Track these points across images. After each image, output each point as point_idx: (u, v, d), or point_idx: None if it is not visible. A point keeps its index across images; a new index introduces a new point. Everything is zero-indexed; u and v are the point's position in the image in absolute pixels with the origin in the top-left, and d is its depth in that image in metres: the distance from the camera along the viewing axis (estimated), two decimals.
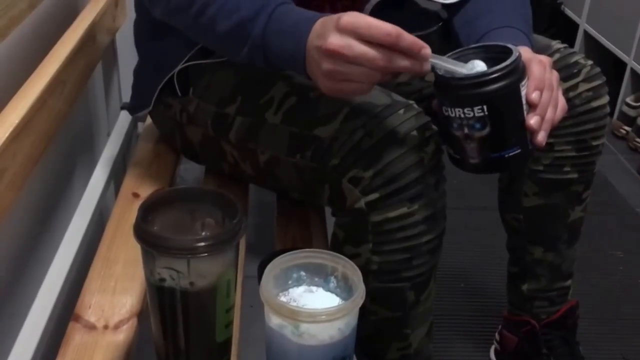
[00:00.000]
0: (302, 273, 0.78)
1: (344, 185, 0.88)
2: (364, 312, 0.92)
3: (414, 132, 0.86)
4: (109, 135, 1.50)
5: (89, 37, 1.14)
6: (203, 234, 0.70)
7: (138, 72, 1.17)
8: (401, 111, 0.87)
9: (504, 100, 0.80)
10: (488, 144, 0.82)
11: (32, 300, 0.96)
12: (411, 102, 0.90)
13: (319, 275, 0.78)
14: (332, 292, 0.77)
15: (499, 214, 1.30)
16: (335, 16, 0.75)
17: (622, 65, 2.52)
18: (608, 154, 2.41)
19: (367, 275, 0.90)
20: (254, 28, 0.82)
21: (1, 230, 0.85)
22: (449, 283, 1.69)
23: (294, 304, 0.76)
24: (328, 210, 1.14)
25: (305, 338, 0.71)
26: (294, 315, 0.70)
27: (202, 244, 0.66)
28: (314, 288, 0.78)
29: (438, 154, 0.88)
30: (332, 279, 0.77)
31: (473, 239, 1.85)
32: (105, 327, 0.85)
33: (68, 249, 1.05)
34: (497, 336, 1.43)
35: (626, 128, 2.52)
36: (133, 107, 1.20)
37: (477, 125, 0.80)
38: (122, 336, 0.84)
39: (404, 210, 0.86)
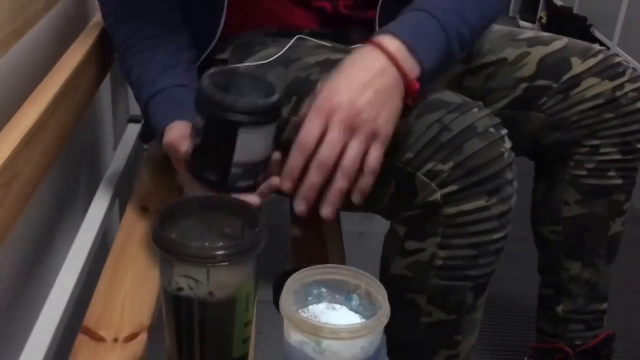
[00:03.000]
0: (323, 289, 0.80)
1: (418, 179, 0.90)
2: (415, 313, 0.97)
3: (492, 129, 0.90)
4: (115, 148, 1.53)
5: (101, 42, 1.17)
6: (228, 241, 0.73)
7: None
8: (475, 109, 0.91)
9: (215, 127, 0.83)
10: (194, 153, 0.88)
11: (39, 313, 0.98)
12: (480, 102, 0.93)
13: (340, 292, 0.80)
14: (354, 310, 0.79)
15: (532, 229, 1.32)
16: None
17: None
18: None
19: (430, 271, 0.94)
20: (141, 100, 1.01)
21: (8, 242, 0.87)
22: None
23: (316, 320, 0.78)
24: (345, 231, 1.17)
25: (327, 356, 0.73)
26: (316, 331, 0.72)
27: (223, 252, 0.69)
28: (336, 305, 0.80)
29: (512, 152, 0.92)
30: (355, 296, 0.79)
31: (499, 268, 1.85)
32: (115, 340, 0.87)
33: (74, 263, 1.07)
34: None
35: None
36: (146, 135, 1.22)
37: (195, 133, 0.86)
38: (132, 350, 0.86)
39: (481, 203, 0.89)
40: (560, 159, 1.21)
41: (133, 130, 1.54)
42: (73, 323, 0.98)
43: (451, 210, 0.90)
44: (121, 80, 1.55)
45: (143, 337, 0.89)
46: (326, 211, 0.85)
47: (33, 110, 0.92)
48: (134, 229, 1.08)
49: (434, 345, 1.00)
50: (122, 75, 1.07)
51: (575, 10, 3.45)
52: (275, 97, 0.83)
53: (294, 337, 0.74)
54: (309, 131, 0.83)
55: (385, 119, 0.85)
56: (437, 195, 0.89)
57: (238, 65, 0.94)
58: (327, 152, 0.82)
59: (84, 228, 1.16)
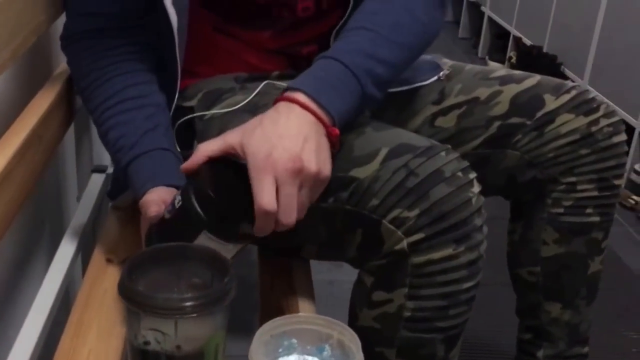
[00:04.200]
0: (294, 340, 0.80)
1: (384, 227, 0.91)
2: None
3: (459, 173, 0.91)
4: (78, 200, 1.52)
5: (67, 91, 1.18)
6: (196, 292, 0.73)
7: None
8: (443, 153, 0.92)
9: (183, 216, 0.86)
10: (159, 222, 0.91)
11: None
12: (449, 146, 0.95)
13: (312, 343, 0.80)
14: None
15: (509, 271, 1.33)
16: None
17: (630, 129, 2.60)
18: (615, 225, 2.41)
19: (398, 323, 0.94)
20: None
21: None
22: None
23: None
24: (315, 279, 1.17)
25: None
26: None
27: (191, 303, 0.69)
28: (308, 357, 0.80)
29: (481, 197, 0.92)
30: (327, 347, 0.80)
31: (475, 314, 1.85)
32: None
33: (37, 317, 1.05)
34: None
35: (635, 198, 2.57)
36: (114, 192, 1.23)
37: (170, 205, 0.88)
38: None
39: (449, 251, 0.89)
40: (538, 197, 1.23)
41: (97, 180, 1.54)
42: None
43: (418, 259, 0.90)
44: (85, 130, 1.56)
45: None
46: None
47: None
48: (98, 281, 1.07)
49: None
50: (99, 136, 1.08)
51: (545, 49, 3.52)
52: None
53: None
54: (266, 193, 0.82)
55: (323, 162, 0.87)
56: (404, 244, 0.90)
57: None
58: (287, 210, 0.84)
59: (47, 280, 1.15)
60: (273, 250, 1.17)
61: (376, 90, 0.95)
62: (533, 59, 3.48)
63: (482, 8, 4.46)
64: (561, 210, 1.21)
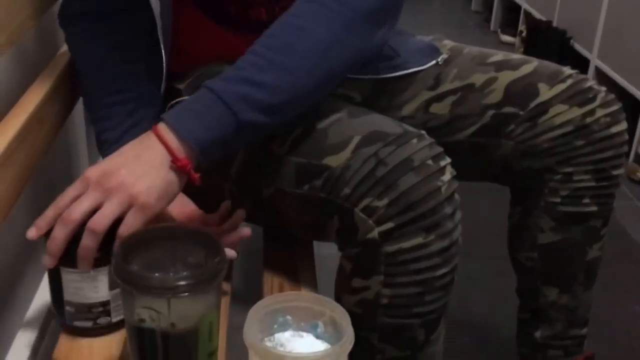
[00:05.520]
0: (288, 317, 0.81)
1: (356, 216, 0.91)
2: (371, 351, 0.97)
3: (429, 161, 0.90)
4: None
5: (69, 73, 1.18)
6: (188, 271, 0.74)
7: None
8: (414, 140, 0.91)
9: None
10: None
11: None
12: (423, 132, 0.94)
13: (305, 320, 0.81)
14: (320, 337, 0.80)
15: (509, 254, 1.33)
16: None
17: (637, 103, 2.58)
18: (623, 199, 2.41)
19: (377, 309, 0.94)
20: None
21: None
22: (452, 337, 1.70)
23: (281, 348, 0.79)
24: (317, 253, 1.18)
25: None
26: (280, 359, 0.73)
27: (183, 282, 0.70)
28: (302, 333, 0.81)
29: (453, 183, 0.92)
30: (320, 323, 0.81)
31: (476, 290, 1.87)
32: None
33: (43, 297, 1.07)
34: None
35: None
36: None
37: None
38: None
39: (419, 240, 0.89)
40: (535, 185, 1.21)
41: None
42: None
43: (390, 248, 0.90)
44: None
45: None
46: (50, 263, 0.84)
47: (5, 133, 0.92)
48: None
49: None
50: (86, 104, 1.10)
51: (554, 24, 3.48)
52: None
53: None
54: (67, 192, 0.84)
55: (145, 188, 0.82)
56: (375, 233, 0.89)
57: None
58: (73, 208, 0.82)
59: None
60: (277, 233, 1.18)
61: (262, 115, 0.89)
62: (542, 34, 3.44)
63: None
64: (558, 199, 1.19)
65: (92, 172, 0.83)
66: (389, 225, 0.88)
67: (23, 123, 0.96)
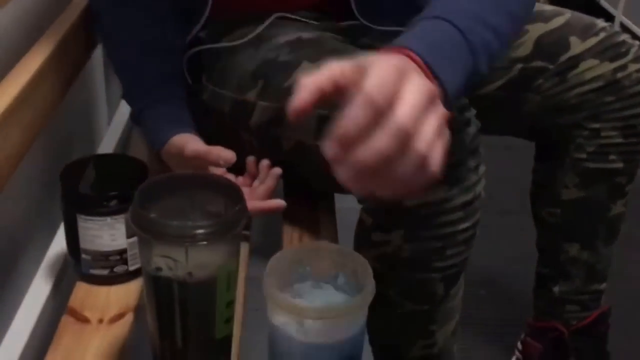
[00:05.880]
0: (308, 268, 0.79)
1: None
2: (389, 305, 0.95)
3: (455, 112, 0.86)
4: (109, 125, 1.52)
5: (84, 19, 1.15)
6: (203, 222, 0.71)
7: None
8: None
9: None
10: None
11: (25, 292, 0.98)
12: None
13: (325, 271, 0.79)
14: (341, 289, 0.79)
15: (532, 209, 1.31)
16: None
17: None
18: None
19: (397, 264, 0.92)
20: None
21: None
22: (469, 290, 1.69)
23: (300, 300, 0.77)
24: (338, 206, 1.16)
25: (311, 336, 0.72)
26: (299, 311, 0.72)
27: (202, 231, 0.68)
28: (322, 284, 0.79)
29: (478, 136, 0.89)
30: (341, 275, 0.79)
31: (496, 245, 1.85)
32: (100, 321, 0.88)
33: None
34: (519, 345, 1.44)
35: None
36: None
37: None
38: (117, 331, 0.86)
39: (442, 194, 0.87)
40: (561, 140, 1.19)
41: (127, 105, 1.53)
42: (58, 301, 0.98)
43: (413, 202, 0.87)
44: None
45: (129, 318, 0.89)
46: (342, 173, 0.60)
47: (15, 83, 0.91)
48: None
49: (410, 335, 0.99)
50: (115, 72, 1.11)
51: None
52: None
53: (278, 318, 0.73)
54: (384, 81, 0.57)
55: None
56: None
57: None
58: (409, 115, 0.57)
59: None
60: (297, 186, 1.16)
61: (485, 69, 0.77)
62: None
63: None
64: (584, 155, 1.18)
65: (416, 75, 0.61)
66: None
67: (39, 66, 0.95)
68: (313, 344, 0.73)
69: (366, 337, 0.96)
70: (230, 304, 0.75)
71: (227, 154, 0.93)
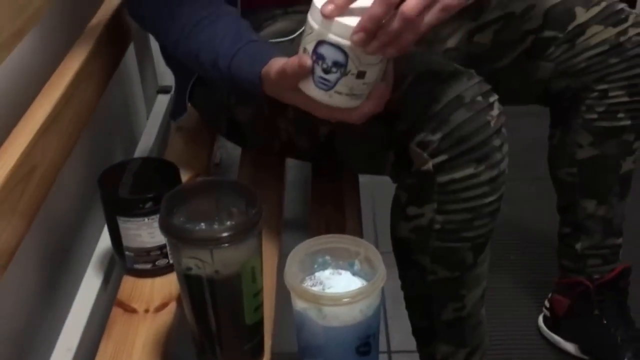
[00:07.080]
0: (327, 257, 0.86)
1: (412, 150, 0.95)
2: (423, 272, 1.03)
3: (479, 97, 0.93)
4: (147, 118, 1.59)
5: (118, 18, 1.20)
6: (228, 223, 0.79)
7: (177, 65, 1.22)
8: (465, 78, 0.94)
9: None
10: None
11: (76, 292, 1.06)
12: (472, 70, 0.97)
13: (343, 259, 0.86)
14: (357, 274, 0.85)
15: (550, 173, 1.39)
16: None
17: None
18: None
19: (430, 234, 0.99)
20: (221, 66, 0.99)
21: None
22: (498, 254, 1.73)
23: (321, 286, 0.84)
24: (362, 187, 1.23)
25: (329, 320, 0.80)
26: (317, 299, 0.79)
27: (224, 234, 0.75)
28: (341, 271, 0.86)
29: (502, 118, 0.95)
30: (356, 262, 0.86)
31: (518, 210, 1.90)
32: (146, 311, 0.96)
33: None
34: (546, 303, 1.51)
35: None
36: (176, 112, 1.26)
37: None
38: (162, 319, 0.95)
39: (470, 171, 0.93)
40: (573, 104, 1.26)
41: (163, 101, 1.60)
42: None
43: (443, 178, 0.93)
44: (146, 53, 1.60)
45: (172, 307, 0.96)
46: (357, 37, 0.77)
47: (47, 101, 0.96)
48: None
49: (442, 299, 1.06)
50: (184, 57, 1.05)
51: None
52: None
53: (299, 304, 0.81)
54: None
55: None
56: (430, 165, 0.93)
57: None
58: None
59: None
60: (325, 169, 1.23)
61: None
62: None
63: None
64: (595, 115, 1.25)
65: None
66: (442, 157, 0.92)
67: (71, 78, 1.01)
68: (331, 327, 0.80)
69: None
70: (257, 294, 0.82)
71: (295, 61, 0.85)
